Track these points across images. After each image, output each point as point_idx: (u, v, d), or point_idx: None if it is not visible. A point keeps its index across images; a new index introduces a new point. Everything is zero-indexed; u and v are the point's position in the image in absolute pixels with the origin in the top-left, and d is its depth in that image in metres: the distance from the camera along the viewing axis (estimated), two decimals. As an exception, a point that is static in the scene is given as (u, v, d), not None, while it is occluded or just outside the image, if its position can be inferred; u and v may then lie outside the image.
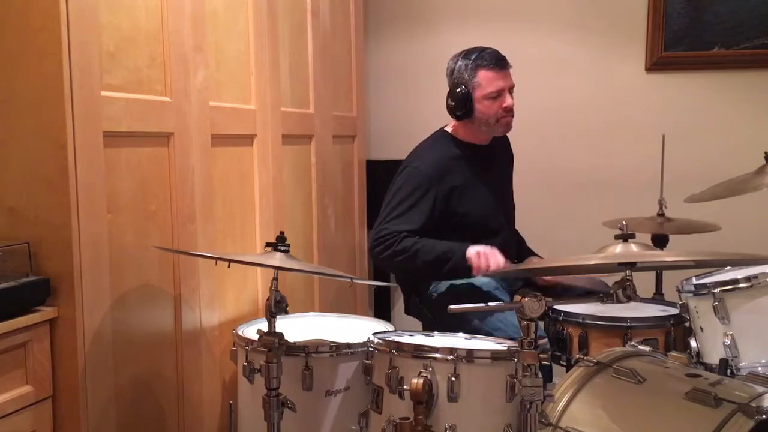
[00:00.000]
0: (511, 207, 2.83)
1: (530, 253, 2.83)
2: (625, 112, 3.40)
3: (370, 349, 1.93)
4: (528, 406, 1.58)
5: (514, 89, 2.57)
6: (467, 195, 2.56)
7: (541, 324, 2.43)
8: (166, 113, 2.04)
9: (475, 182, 2.59)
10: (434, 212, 2.48)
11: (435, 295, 2.55)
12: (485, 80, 2.51)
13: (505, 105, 2.53)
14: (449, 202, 2.52)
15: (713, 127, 3.30)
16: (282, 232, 1.91)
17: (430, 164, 2.53)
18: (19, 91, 1.74)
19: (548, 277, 2.57)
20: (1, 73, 1.74)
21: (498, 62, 2.52)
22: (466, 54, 2.56)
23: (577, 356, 1.95)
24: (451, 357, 1.75)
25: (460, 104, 2.53)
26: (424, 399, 1.71)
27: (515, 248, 2.76)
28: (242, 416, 2.10)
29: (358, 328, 2.25)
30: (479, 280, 2.47)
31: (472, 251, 2.36)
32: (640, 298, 2.29)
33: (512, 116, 2.58)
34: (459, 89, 2.53)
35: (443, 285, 2.54)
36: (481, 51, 2.54)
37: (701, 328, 2.18)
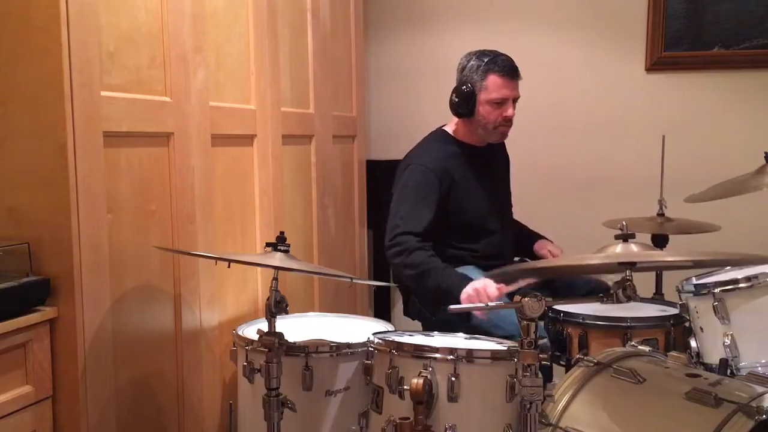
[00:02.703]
0: (508, 208, 2.83)
1: (534, 237, 2.82)
2: (625, 112, 3.40)
3: (370, 349, 1.93)
4: (528, 406, 1.58)
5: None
6: (465, 193, 2.57)
7: (541, 324, 2.43)
8: (166, 113, 2.04)
9: (472, 181, 2.59)
10: (439, 208, 2.48)
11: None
12: (493, 85, 2.51)
13: (505, 114, 2.54)
14: (448, 201, 2.52)
15: (713, 127, 3.30)
16: (282, 232, 1.91)
17: (433, 161, 2.54)
18: (19, 91, 1.74)
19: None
20: (2, 73, 1.74)
21: (510, 71, 2.52)
22: (481, 54, 2.55)
23: (577, 356, 1.95)
24: (451, 357, 1.75)
25: (464, 102, 2.54)
26: (424, 399, 1.71)
27: (512, 247, 2.76)
28: (242, 416, 2.10)
29: (358, 328, 2.25)
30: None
31: (466, 293, 2.27)
32: (640, 298, 2.29)
33: (510, 126, 2.59)
34: (465, 87, 2.53)
35: None
36: (495, 55, 2.54)
37: (701, 328, 2.18)
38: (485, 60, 2.53)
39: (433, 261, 2.40)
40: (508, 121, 2.56)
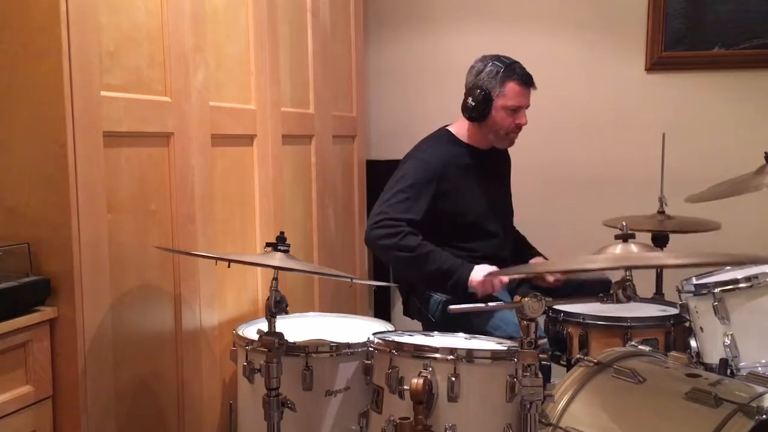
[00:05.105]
0: (508, 211, 2.83)
1: (533, 252, 2.83)
2: (625, 111, 3.40)
3: (370, 349, 1.93)
4: (528, 406, 1.57)
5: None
6: (465, 195, 2.56)
7: (541, 324, 2.43)
8: (166, 113, 2.04)
9: (474, 184, 2.59)
10: (432, 208, 2.48)
11: (435, 297, 2.55)
12: (511, 92, 2.51)
13: (518, 122, 2.55)
14: (447, 201, 2.52)
15: (713, 127, 3.30)
16: (282, 232, 1.91)
17: (435, 159, 2.54)
18: (19, 90, 1.74)
19: (551, 279, 2.57)
20: (2, 73, 1.74)
21: (528, 80, 2.53)
22: (498, 59, 2.54)
23: (577, 356, 1.95)
24: (451, 357, 1.76)
25: (479, 106, 2.53)
26: (424, 399, 1.71)
27: (512, 250, 2.76)
28: (242, 416, 2.10)
29: (358, 328, 2.26)
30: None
31: (477, 278, 2.37)
32: (640, 298, 2.30)
33: (518, 133, 2.59)
34: (480, 91, 2.52)
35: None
36: (513, 62, 2.54)
37: (701, 328, 2.18)
38: (503, 66, 2.52)
39: (429, 244, 2.42)
40: (519, 129, 2.58)
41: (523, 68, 2.55)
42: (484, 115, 2.54)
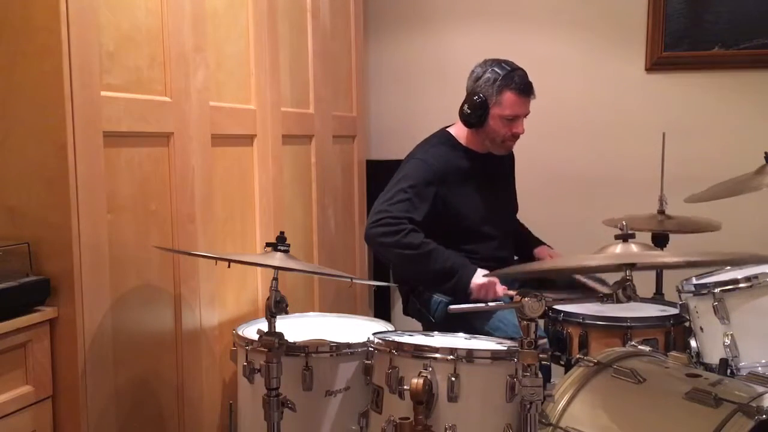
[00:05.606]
0: (510, 211, 2.83)
1: (537, 242, 2.83)
2: (625, 111, 3.40)
3: (370, 349, 1.93)
4: (528, 406, 1.58)
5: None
6: (465, 200, 2.56)
7: (541, 324, 2.43)
8: (166, 113, 2.04)
9: (473, 188, 2.59)
10: (433, 209, 2.48)
11: (435, 297, 2.55)
12: (507, 102, 2.49)
13: (515, 130, 2.53)
14: (446, 205, 2.52)
15: (713, 127, 3.30)
16: (282, 232, 1.91)
17: (436, 160, 2.54)
18: (19, 90, 1.74)
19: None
20: (2, 73, 1.74)
21: (526, 89, 2.50)
22: (498, 66, 2.51)
23: (577, 356, 1.95)
24: (451, 357, 1.75)
25: (475, 113, 2.52)
26: (424, 399, 1.71)
27: (512, 251, 2.77)
28: (242, 416, 2.10)
29: (358, 328, 2.25)
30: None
31: (476, 283, 2.38)
32: (640, 298, 2.29)
33: (516, 141, 2.59)
34: (477, 98, 2.50)
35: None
36: (512, 70, 2.51)
37: (701, 328, 2.18)
38: (502, 74, 2.49)
39: (432, 242, 2.42)
40: (516, 137, 2.56)
41: (524, 76, 2.51)
42: (481, 122, 2.53)
